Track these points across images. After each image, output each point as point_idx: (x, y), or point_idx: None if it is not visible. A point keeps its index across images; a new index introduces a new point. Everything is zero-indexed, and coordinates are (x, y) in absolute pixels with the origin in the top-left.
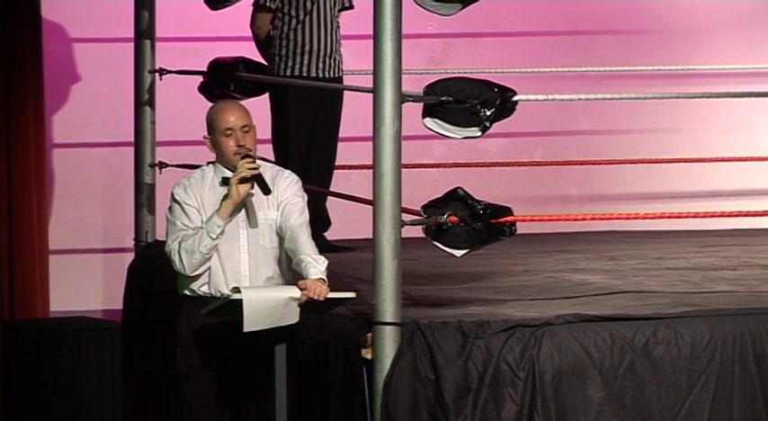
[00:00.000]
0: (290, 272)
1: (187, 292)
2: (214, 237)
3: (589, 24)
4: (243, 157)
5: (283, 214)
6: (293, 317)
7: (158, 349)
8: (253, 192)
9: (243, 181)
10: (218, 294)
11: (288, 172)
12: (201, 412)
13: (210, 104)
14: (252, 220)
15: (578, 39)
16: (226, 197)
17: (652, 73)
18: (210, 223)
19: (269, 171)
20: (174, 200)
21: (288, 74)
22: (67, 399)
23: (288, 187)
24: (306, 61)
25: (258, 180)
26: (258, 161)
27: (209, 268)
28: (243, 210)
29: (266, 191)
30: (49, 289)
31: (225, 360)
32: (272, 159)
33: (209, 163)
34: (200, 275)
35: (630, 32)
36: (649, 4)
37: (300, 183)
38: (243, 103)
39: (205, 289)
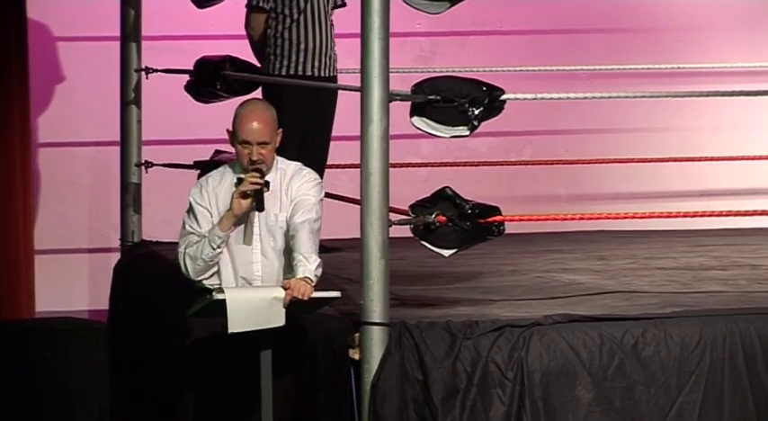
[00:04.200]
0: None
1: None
2: (215, 246)
3: (579, 23)
4: (252, 170)
5: (291, 211)
6: (279, 319)
7: (144, 350)
8: (267, 193)
9: (245, 196)
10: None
11: (307, 170)
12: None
13: (198, 103)
14: (263, 223)
15: (568, 37)
16: (229, 208)
17: (642, 72)
18: (212, 233)
19: (290, 169)
20: (189, 201)
21: (283, 73)
22: (53, 400)
23: (301, 186)
24: (301, 60)
25: (257, 196)
26: (286, 161)
27: (219, 270)
28: (256, 213)
29: (259, 208)
30: (34, 289)
31: (217, 363)
32: None
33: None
34: (206, 278)
35: (621, 31)
36: (640, 3)
37: (318, 182)
38: (232, 101)
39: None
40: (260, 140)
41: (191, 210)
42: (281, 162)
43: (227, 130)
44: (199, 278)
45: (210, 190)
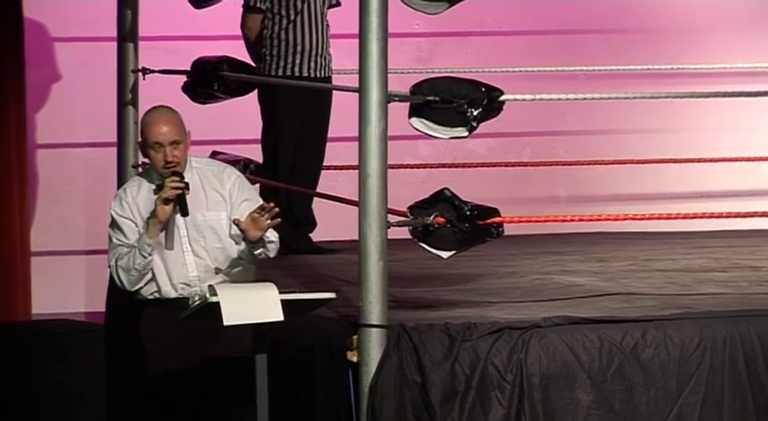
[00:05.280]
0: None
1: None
2: (146, 255)
3: (578, 23)
4: (171, 175)
5: (240, 212)
6: (276, 313)
7: (141, 351)
8: (189, 193)
9: (167, 201)
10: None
11: (230, 169)
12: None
13: (195, 104)
14: (190, 224)
15: (567, 38)
16: (153, 215)
17: (641, 72)
18: (141, 242)
19: (206, 167)
20: (111, 214)
21: (279, 74)
22: (50, 402)
23: (233, 185)
24: (297, 61)
25: (180, 201)
26: (200, 160)
27: (154, 277)
28: (179, 216)
29: (184, 213)
30: (30, 290)
31: (194, 365)
32: (258, 159)
33: (143, 166)
34: (142, 287)
35: (620, 32)
36: (640, 3)
37: (243, 177)
38: (230, 102)
39: (156, 295)
40: (171, 140)
41: (114, 224)
42: (194, 161)
43: (138, 142)
44: (135, 288)
45: (130, 200)
